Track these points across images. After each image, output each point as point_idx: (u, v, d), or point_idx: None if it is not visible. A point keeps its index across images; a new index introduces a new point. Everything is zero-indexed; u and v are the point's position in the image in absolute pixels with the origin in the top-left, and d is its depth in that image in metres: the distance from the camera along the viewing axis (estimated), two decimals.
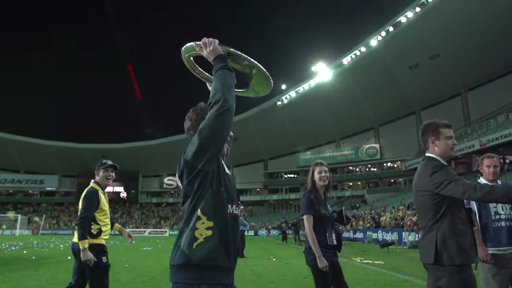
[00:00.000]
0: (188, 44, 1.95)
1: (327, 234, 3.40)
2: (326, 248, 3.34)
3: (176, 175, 1.82)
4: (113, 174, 4.05)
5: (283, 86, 47.07)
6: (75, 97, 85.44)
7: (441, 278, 2.30)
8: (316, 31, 75.14)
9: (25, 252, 14.45)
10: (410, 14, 33.95)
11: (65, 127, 75.62)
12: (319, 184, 3.51)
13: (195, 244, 1.62)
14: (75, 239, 3.73)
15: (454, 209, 2.36)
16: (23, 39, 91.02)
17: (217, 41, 1.83)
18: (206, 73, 2.14)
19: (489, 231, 3.33)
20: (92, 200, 3.77)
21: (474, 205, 3.34)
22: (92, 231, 3.72)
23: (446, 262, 2.28)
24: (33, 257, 12.00)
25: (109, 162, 4.03)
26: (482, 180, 3.53)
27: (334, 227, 3.51)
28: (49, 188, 59.68)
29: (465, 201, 2.50)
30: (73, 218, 55.33)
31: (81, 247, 3.55)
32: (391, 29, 35.78)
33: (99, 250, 3.69)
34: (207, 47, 1.82)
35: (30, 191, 60.27)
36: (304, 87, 44.87)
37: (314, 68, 42.96)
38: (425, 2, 32.60)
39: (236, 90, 2.14)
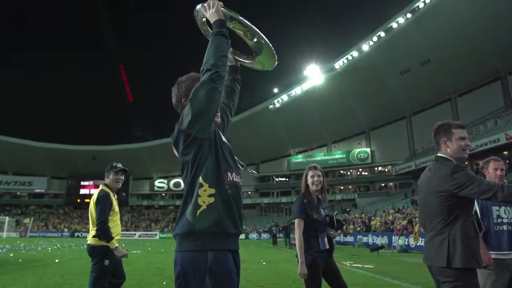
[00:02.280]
0: (197, 6, 1.93)
1: (319, 239, 3.39)
2: (318, 252, 3.33)
3: (172, 145, 1.77)
4: (123, 178, 4.15)
5: (275, 90, 47.21)
6: (65, 98, 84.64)
7: (451, 281, 2.25)
8: (309, 35, 75.59)
9: (11, 255, 14.22)
10: (401, 20, 34.30)
11: (55, 129, 74.91)
12: (312, 188, 3.50)
13: (198, 212, 1.61)
14: (89, 241, 3.91)
15: (466, 213, 2.33)
16: (15, 40, 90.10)
17: (221, 3, 1.81)
18: None
19: (490, 235, 3.26)
20: (106, 203, 3.86)
21: (476, 208, 3.23)
22: (100, 233, 3.81)
23: (457, 265, 2.23)
24: (20, 260, 11.80)
25: (120, 166, 4.10)
26: None
27: (325, 231, 3.50)
28: (37, 190, 58.84)
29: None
30: (62, 220, 54.71)
31: (112, 247, 3.75)
32: (382, 34, 36.09)
33: (104, 252, 3.79)
34: (210, 8, 1.81)
35: (18, 193, 59.36)
36: (296, 90, 45.01)
37: (306, 72, 43.15)
38: (417, 8, 32.97)
39: (242, 60, 2.18)
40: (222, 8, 1.80)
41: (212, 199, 1.63)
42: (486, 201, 3.09)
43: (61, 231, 48.59)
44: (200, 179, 1.64)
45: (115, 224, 3.98)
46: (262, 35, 1.92)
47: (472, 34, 31.66)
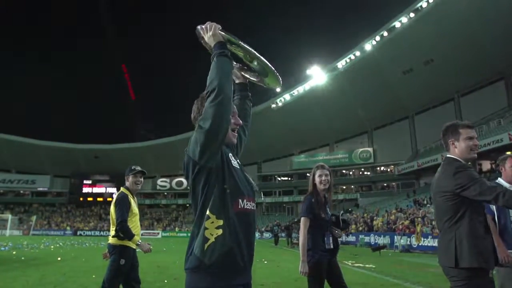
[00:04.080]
0: (198, 27, 1.90)
1: (325, 238, 3.40)
2: (323, 251, 3.34)
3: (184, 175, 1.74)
4: (142, 179, 4.30)
5: (278, 89, 47.16)
6: (68, 97, 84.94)
7: (459, 281, 2.25)
8: (311, 34, 75.52)
9: (14, 252, 14.29)
10: (404, 19, 34.17)
11: (58, 127, 75.19)
12: (319, 187, 3.50)
13: (206, 245, 1.56)
14: (109, 240, 4.08)
15: (474, 212, 2.29)
16: (18, 38, 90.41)
17: (218, 26, 1.77)
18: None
19: (507, 232, 3.23)
20: (124, 204, 4.02)
21: (493, 206, 3.21)
22: (121, 233, 3.96)
23: (464, 265, 2.22)
24: (22, 258, 11.87)
25: (138, 168, 4.25)
26: (501, 181, 3.44)
27: (331, 231, 3.51)
28: (40, 189, 59.12)
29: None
30: (64, 219, 54.90)
31: (136, 243, 3.96)
32: (385, 34, 35.97)
33: (120, 252, 3.96)
34: (208, 31, 1.77)
35: (21, 191, 59.63)
36: (299, 90, 44.93)
37: (308, 71, 43.09)
38: (420, 8, 32.84)
39: (249, 77, 2.13)
40: (220, 32, 1.76)
41: (220, 231, 1.57)
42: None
43: (64, 230, 48.76)
44: (208, 212, 1.60)
45: (134, 225, 4.12)
46: (263, 59, 1.88)
47: (475, 33, 31.53)
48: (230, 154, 1.78)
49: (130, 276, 4.04)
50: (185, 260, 1.63)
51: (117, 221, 3.93)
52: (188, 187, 1.71)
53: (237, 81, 2.18)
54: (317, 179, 3.51)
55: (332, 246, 3.43)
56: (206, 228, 1.58)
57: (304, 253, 3.25)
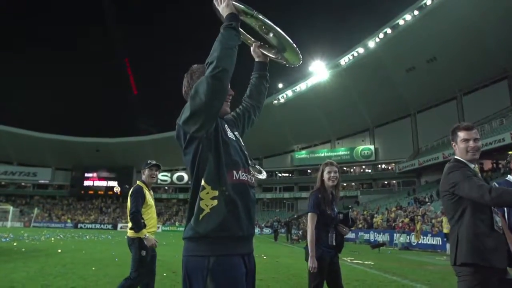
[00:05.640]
0: (213, 0, 1.83)
1: (329, 234, 3.43)
2: (328, 248, 3.37)
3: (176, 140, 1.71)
4: (157, 173, 4.47)
5: (280, 85, 47.08)
6: (71, 90, 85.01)
7: (460, 277, 2.28)
8: (314, 30, 75.25)
9: (15, 244, 14.36)
10: (408, 16, 34.01)
11: (60, 120, 75.31)
12: (327, 184, 3.52)
13: (201, 216, 1.55)
14: (128, 233, 4.21)
15: (475, 210, 2.30)
16: (21, 31, 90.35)
17: None
18: (247, 34, 2.03)
19: None
20: (138, 196, 4.17)
21: None
22: (131, 223, 4.11)
23: (460, 261, 2.25)
24: (23, 249, 11.93)
25: (153, 162, 4.41)
26: (511, 178, 3.43)
27: (338, 228, 3.53)
28: (42, 181, 59.35)
29: None
30: (65, 211, 55.11)
31: (142, 236, 4.07)
32: (389, 31, 35.82)
33: (140, 243, 4.10)
34: (222, 3, 1.71)
35: (23, 184, 59.86)
36: (301, 86, 44.84)
37: (311, 67, 42.97)
38: (424, 6, 32.67)
39: (269, 54, 2.05)
40: (234, 2, 1.70)
41: (215, 202, 1.56)
42: None
43: (65, 222, 48.96)
44: (202, 182, 1.58)
45: (149, 216, 4.27)
46: (280, 30, 1.82)
47: (479, 32, 31.36)
48: (226, 125, 1.76)
49: (148, 267, 4.19)
50: (184, 229, 1.64)
51: (130, 211, 4.09)
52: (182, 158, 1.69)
53: (256, 59, 2.12)
54: (325, 176, 3.53)
55: (334, 243, 3.45)
56: (201, 199, 1.57)
57: (312, 249, 3.28)
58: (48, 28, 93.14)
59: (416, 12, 33.39)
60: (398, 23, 34.93)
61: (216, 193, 1.57)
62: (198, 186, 1.60)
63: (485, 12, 29.74)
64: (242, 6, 1.71)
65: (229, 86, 1.83)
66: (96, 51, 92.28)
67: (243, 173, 1.67)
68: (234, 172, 1.63)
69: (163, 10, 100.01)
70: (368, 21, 55.43)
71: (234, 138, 1.76)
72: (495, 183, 3.04)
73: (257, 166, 1.81)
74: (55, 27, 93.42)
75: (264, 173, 1.82)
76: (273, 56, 2.03)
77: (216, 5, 1.77)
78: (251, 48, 2.08)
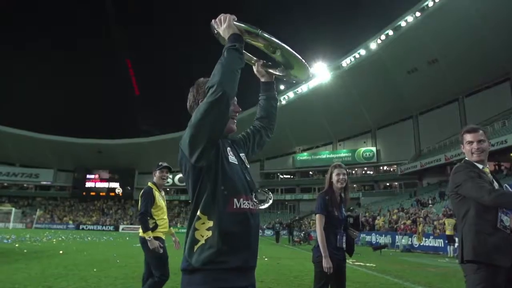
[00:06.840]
0: (212, 22, 1.72)
1: (338, 236, 3.43)
2: (335, 250, 3.36)
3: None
4: (168, 174, 4.62)
5: (282, 87, 47.07)
6: (73, 91, 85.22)
7: (465, 276, 2.30)
8: (316, 32, 75.32)
9: (17, 245, 14.39)
10: (410, 18, 34.02)
11: (62, 122, 75.49)
12: (336, 186, 3.54)
13: (195, 247, 1.47)
14: (140, 233, 4.25)
15: (479, 209, 2.31)
16: (22, 32, 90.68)
17: (233, 17, 1.60)
18: (249, 54, 1.92)
19: None
20: (147, 197, 4.27)
21: None
22: (149, 225, 4.21)
23: (464, 259, 2.28)
24: (25, 251, 11.95)
25: (164, 164, 4.55)
26: None
27: (348, 231, 3.54)
28: (44, 182, 59.42)
29: None
30: (67, 213, 55.19)
31: (146, 238, 4.11)
32: (391, 32, 35.82)
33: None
34: (222, 24, 1.61)
35: (25, 185, 59.99)
36: (303, 88, 44.86)
37: (313, 69, 42.97)
38: (426, 7, 32.67)
39: (275, 73, 1.94)
40: (235, 22, 1.59)
41: (209, 233, 1.47)
42: None
43: (66, 223, 49.03)
44: (198, 212, 1.50)
45: (159, 218, 4.35)
46: (287, 47, 1.68)
47: (480, 34, 31.34)
48: (229, 149, 1.67)
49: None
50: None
51: (139, 212, 4.18)
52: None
53: (262, 80, 2.00)
54: (334, 178, 3.54)
55: (344, 246, 3.46)
56: (196, 229, 1.49)
57: (325, 249, 3.28)
58: (48, 29, 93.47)
59: (418, 14, 33.40)
60: (400, 24, 34.94)
61: (211, 223, 1.48)
62: (194, 216, 1.53)
63: (486, 14, 29.73)
64: (244, 25, 1.60)
65: (236, 102, 1.76)
66: (98, 52, 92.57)
67: (244, 201, 1.57)
68: (235, 200, 1.54)
69: (165, 10, 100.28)
70: (370, 23, 55.47)
71: (237, 162, 1.66)
72: (506, 185, 3.06)
73: (260, 193, 1.73)
74: (56, 28, 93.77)
75: (270, 201, 1.75)
76: (280, 74, 1.93)
77: (216, 27, 1.67)
78: (254, 68, 1.97)
